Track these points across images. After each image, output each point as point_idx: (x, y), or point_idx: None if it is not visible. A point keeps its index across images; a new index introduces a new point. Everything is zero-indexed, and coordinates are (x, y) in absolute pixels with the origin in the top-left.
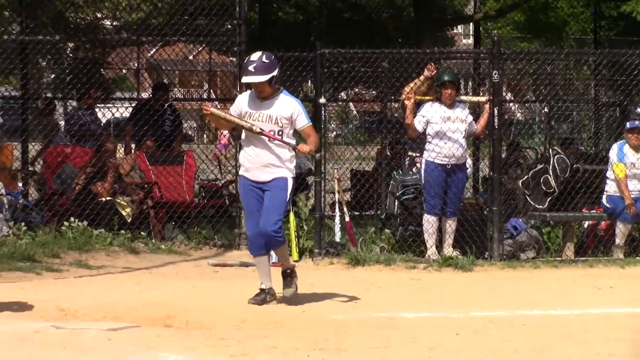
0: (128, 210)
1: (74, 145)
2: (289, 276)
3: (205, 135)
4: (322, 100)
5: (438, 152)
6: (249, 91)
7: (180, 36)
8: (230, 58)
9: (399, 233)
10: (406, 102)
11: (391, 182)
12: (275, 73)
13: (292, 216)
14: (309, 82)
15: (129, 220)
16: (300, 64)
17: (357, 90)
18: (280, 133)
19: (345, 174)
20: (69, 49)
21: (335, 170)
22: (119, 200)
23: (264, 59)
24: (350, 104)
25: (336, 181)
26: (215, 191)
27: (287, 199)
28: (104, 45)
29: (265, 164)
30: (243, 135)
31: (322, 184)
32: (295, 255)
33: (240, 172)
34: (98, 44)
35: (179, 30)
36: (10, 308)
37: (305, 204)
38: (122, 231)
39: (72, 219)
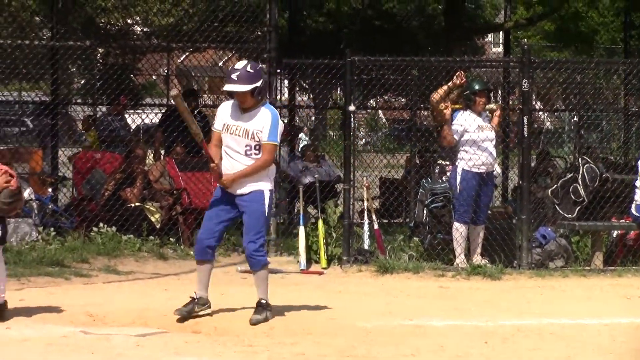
0: (157, 216)
1: (103, 151)
2: (261, 307)
3: None
4: (352, 107)
5: (474, 160)
6: (232, 100)
7: (210, 42)
8: (260, 65)
9: (427, 241)
10: (444, 111)
11: (420, 190)
12: (258, 84)
13: (320, 223)
14: (339, 89)
15: (157, 227)
16: (330, 72)
17: (386, 97)
18: (257, 147)
19: (374, 182)
20: (99, 55)
21: (364, 178)
22: (148, 206)
23: (248, 68)
24: (380, 111)
25: (365, 189)
26: None
27: (266, 213)
28: (134, 51)
29: (241, 179)
30: (223, 147)
31: (351, 191)
32: (323, 263)
33: (219, 184)
34: (128, 50)
35: (209, 37)
36: (39, 313)
37: (334, 211)
38: (151, 237)
39: (101, 224)
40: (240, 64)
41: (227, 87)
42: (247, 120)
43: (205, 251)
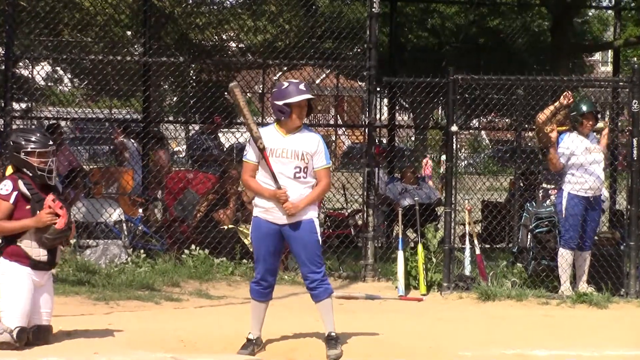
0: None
1: (196, 170)
2: (334, 340)
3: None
4: (454, 128)
5: (582, 184)
6: (264, 128)
7: (307, 59)
8: (359, 83)
9: (531, 267)
10: (550, 134)
11: (524, 214)
12: None
13: (420, 248)
14: (440, 109)
15: (251, 250)
16: (432, 90)
17: (489, 118)
18: (305, 170)
19: (476, 205)
20: (192, 72)
21: (466, 201)
22: (241, 229)
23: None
24: (483, 132)
25: (467, 212)
26: (341, 221)
27: (320, 240)
28: (228, 68)
29: None
30: (260, 176)
31: (452, 215)
32: (422, 289)
33: (256, 213)
34: (222, 67)
35: (306, 54)
36: (127, 338)
37: (434, 236)
38: (244, 260)
39: (192, 246)
40: (292, 80)
41: (302, 97)
42: (294, 142)
43: (266, 292)
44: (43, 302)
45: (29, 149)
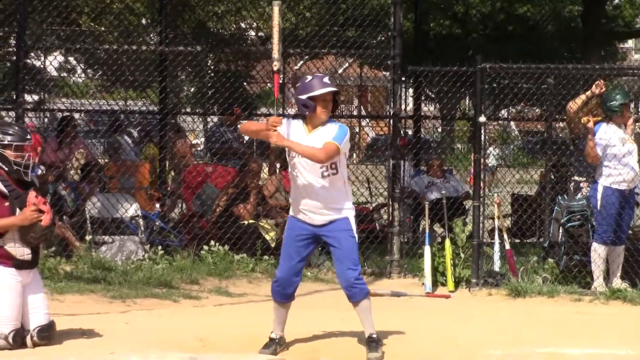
0: (272, 234)
1: (215, 164)
2: (375, 342)
3: (354, 155)
4: (482, 118)
5: (617, 176)
6: (287, 120)
7: (329, 48)
8: (383, 72)
9: (563, 263)
10: (588, 125)
11: (555, 207)
12: None
13: (447, 243)
14: (467, 99)
15: (272, 245)
16: (459, 80)
17: (519, 108)
18: (332, 166)
19: (505, 199)
20: (210, 61)
21: (495, 194)
22: (262, 224)
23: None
24: (512, 123)
25: (496, 206)
26: (366, 215)
27: (356, 238)
28: (247, 57)
29: (321, 207)
30: (291, 174)
31: (481, 208)
32: (450, 285)
33: (291, 213)
34: (241, 56)
35: (328, 42)
36: (145, 337)
37: (462, 230)
38: (266, 257)
39: (212, 242)
40: (316, 74)
41: (327, 89)
42: (317, 139)
43: (288, 293)
44: (35, 300)
45: (5, 142)
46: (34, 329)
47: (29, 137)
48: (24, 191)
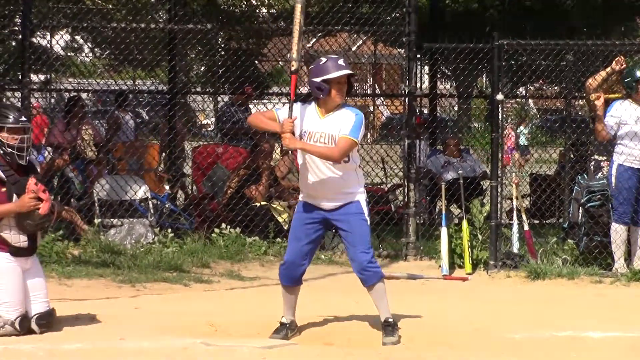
0: (285, 216)
1: (226, 144)
2: (391, 326)
3: (369, 134)
4: (500, 96)
5: (630, 154)
6: (299, 104)
7: (342, 25)
8: (398, 49)
9: (583, 244)
10: (595, 102)
11: (575, 187)
12: None
13: (464, 224)
14: (484, 76)
15: (285, 227)
16: (476, 57)
17: (537, 85)
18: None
19: (524, 178)
20: (220, 39)
21: (513, 174)
22: (274, 206)
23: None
24: (530, 100)
25: (514, 186)
26: (381, 196)
27: (368, 221)
28: (259, 35)
29: (333, 193)
30: (300, 160)
31: (499, 188)
32: (468, 267)
33: (301, 198)
34: (252, 34)
35: (341, 19)
36: (155, 322)
37: (479, 211)
38: (278, 239)
39: (223, 225)
40: (331, 55)
41: (342, 72)
42: (330, 124)
43: (295, 277)
44: (34, 287)
45: None
46: (32, 317)
47: (23, 118)
48: (23, 177)
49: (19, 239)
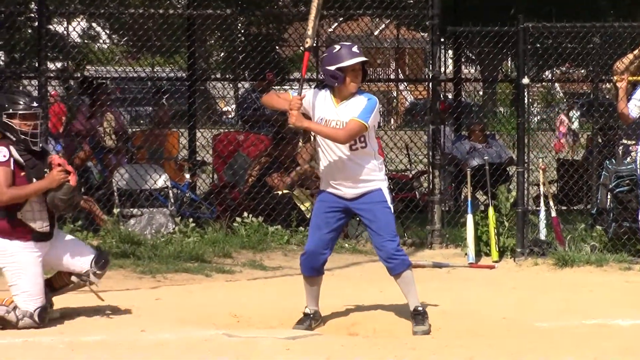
0: (307, 204)
1: (247, 132)
2: (421, 315)
3: (392, 120)
4: (525, 80)
5: None
6: (313, 91)
7: (364, 9)
8: (421, 33)
9: (612, 230)
10: (618, 84)
11: (603, 172)
12: None
13: (491, 211)
14: (509, 60)
15: (308, 216)
16: (501, 40)
17: (563, 69)
18: (362, 139)
19: (551, 164)
20: (240, 25)
21: (540, 160)
22: (297, 194)
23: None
24: (556, 84)
25: (541, 172)
26: (405, 183)
27: (391, 209)
28: (279, 19)
29: (352, 180)
30: (318, 146)
31: (526, 174)
32: (494, 255)
33: (322, 187)
34: (273, 19)
35: (363, 3)
36: (176, 314)
37: (506, 198)
38: (301, 228)
39: (245, 214)
40: (345, 42)
41: (357, 59)
42: (345, 112)
43: (316, 266)
44: (71, 245)
45: (10, 111)
46: (90, 264)
47: (34, 104)
48: (39, 161)
49: (42, 225)
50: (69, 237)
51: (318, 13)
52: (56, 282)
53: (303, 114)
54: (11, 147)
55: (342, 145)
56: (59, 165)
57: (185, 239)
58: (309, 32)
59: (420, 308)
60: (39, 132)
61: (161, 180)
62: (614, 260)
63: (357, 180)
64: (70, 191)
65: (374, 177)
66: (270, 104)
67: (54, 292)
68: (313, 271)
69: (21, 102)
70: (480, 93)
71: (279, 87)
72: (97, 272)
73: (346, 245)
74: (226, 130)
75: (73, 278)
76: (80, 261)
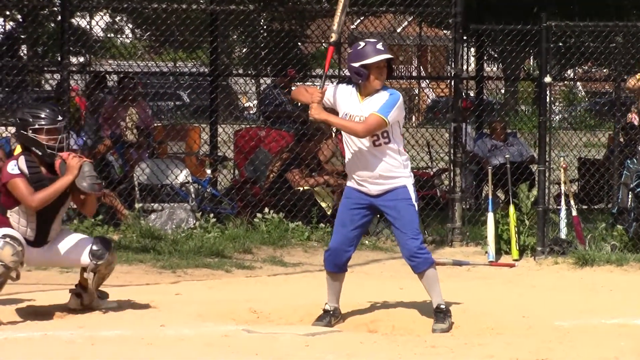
0: (328, 201)
1: (268, 128)
2: (442, 313)
3: (414, 118)
4: (548, 79)
5: None
6: (340, 86)
7: (387, 6)
8: (444, 31)
9: (632, 229)
10: (629, 84)
11: (624, 171)
12: None
13: (511, 209)
14: (532, 58)
15: (329, 213)
16: (523, 38)
17: (586, 68)
18: (385, 134)
19: (572, 163)
20: (263, 20)
21: (561, 158)
22: (318, 190)
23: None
24: (578, 83)
25: (562, 170)
26: (426, 181)
27: (416, 207)
28: (302, 15)
29: (376, 176)
30: (344, 138)
31: (547, 173)
32: (515, 254)
33: (349, 184)
34: (295, 15)
35: (386, 0)
36: (196, 309)
37: (527, 196)
38: (322, 224)
39: (265, 210)
40: (369, 40)
41: (381, 56)
42: (368, 107)
43: (340, 263)
44: (72, 240)
45: (36, 126)
46: (88, 255)
47: (59, 117)
48: (49, 177)
49: (26, 232)
50: (69, 234)
51: (345, 8)
52: (84, 282)
53: (325, 107)
54: (20, 159)
55: (365, 140)
56: (69, 154)
57: (205, 235)
58: (335, 27)
59: (442, 306)
60: (64, 146)
61: (182, 176)
62: (635, 259)
63: (381, 177)
64: (91, 167)
65: (399, 174)
66: (296, 98)
67: (89, 291)
68: (336, 268)
69: (47, 117)
70: (502, 91)
71: (300, 83)
72: (98, 262)
73: (366, 242)
74: (248, 126)
75: (85, 275)
76: (77, 256)
